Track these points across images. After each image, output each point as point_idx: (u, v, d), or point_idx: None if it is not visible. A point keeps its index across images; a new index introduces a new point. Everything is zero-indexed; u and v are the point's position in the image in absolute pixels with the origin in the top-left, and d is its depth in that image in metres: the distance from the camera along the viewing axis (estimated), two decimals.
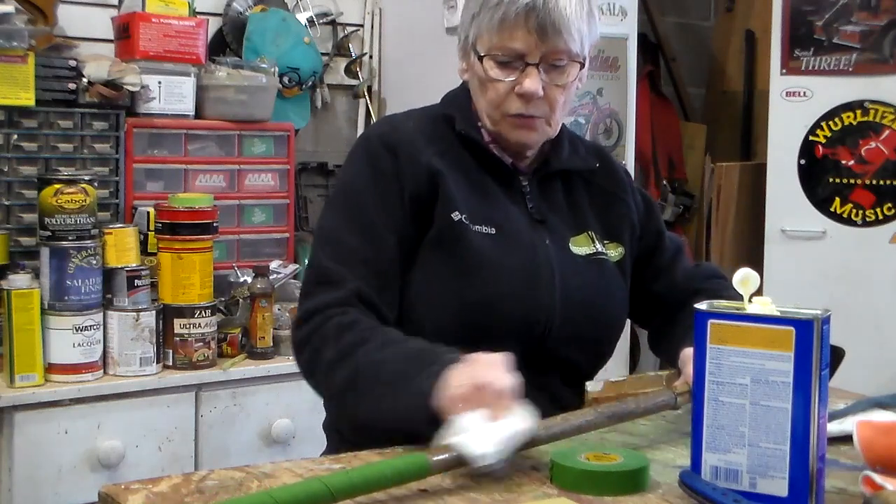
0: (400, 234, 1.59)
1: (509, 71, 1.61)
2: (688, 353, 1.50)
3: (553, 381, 1.65)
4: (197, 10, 3.03)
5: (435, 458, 1.20)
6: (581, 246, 1.70)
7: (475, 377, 1.32)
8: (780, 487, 1.15)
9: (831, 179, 3.56)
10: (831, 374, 1.28)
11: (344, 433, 1.68)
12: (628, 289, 1.76)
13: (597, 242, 1.72)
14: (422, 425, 1.33)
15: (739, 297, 1.34)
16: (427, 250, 1.60)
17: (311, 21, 3.34)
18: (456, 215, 1.59)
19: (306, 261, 1.67)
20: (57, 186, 2.45)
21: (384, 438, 1.40)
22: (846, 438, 1.35)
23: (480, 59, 1.62)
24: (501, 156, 1.69)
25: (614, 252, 1.74)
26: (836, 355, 1.44)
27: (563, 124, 1.79)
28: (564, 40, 1.58)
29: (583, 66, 1.65)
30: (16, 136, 2.62)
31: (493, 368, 1.34)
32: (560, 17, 1.57)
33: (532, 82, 1.59)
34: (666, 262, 1.83)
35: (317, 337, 1.52)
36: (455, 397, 1.30)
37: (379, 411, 1.44)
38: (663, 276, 1.82)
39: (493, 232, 1.61)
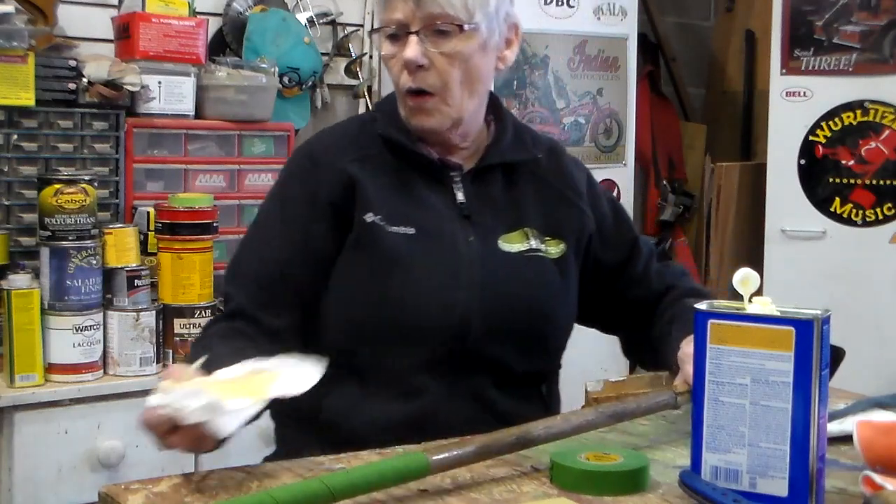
0: (305, 245, 1.61)
1: (398, 45, 1.60)
2: (686, 350, 1.49)
3: (483, 385, 1.61)
4: (197, 10, 3.03)
5: (435, 458, 1.20)
6: (514, 243, 1.66)
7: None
8: (780, 487, 1.15)
9: (831, 179, 3.56)
10: (832, 374, 1.28)
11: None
12: (573, 287, 1.71)
13: (533, 239, 1.67)
14: None
15: (706, 294, 1.36)
16: (346, 254, 1.61)
17: (311, 21, 3.33)
18: (369, 217, 1.59)
19: None
20: (57, 186, 2.45)
21: None
22: (846, 438, 1.35)
23: (378, 32, 1.63)
24: (428, 153, 1.66)
25: (554, 249, 1.68)
26: (837, 356, 1.44)
27: (511, 115, 1.76)
28: (439, 4, 1.56)
29: (462, 29, 1.58)
30: (16, 136, 2.61)
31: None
32: None
33: (409, 49, 1.57)
34: (641, 270, 1.79)
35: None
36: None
37: None
38: (641, 284, 1.79)
39: (412, 232, 1.60)
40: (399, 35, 1.59)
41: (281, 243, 1.63)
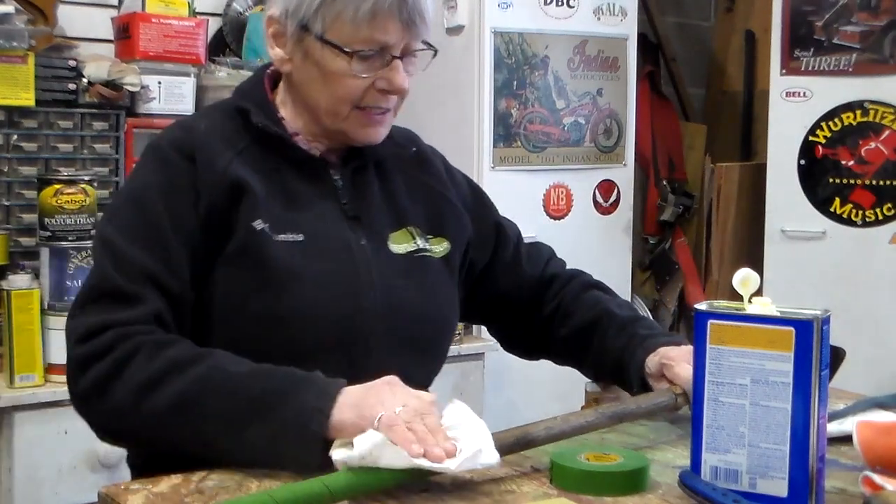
0: (192, 250, 1.42)
1: (373, 65, 1.47)
2: (671, 355, 1.49)
3: None
4: (197, 10, 3.04)
5: None
6: (400, 243, 1.56)
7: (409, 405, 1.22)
8: (780, 488, 1.15)
9: (831, 180, 3.56)
10: (832, 374, 1.28)
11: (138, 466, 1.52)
12: (456, 286, 1.63)
13: (418, 238, 1.58)
14: (307, 454, 1.22)
15: (605, 287, 1.52)
16: (227, 264, 1.44)
17: None
18: (258, 224, 1.44)
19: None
20: (57, 187, 2.45)
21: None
22: (846, 438, 1.35)
23: (347, 51, 1.46)
24: (309, 148, 1.54)
25: (439, 247, 1.60)
26: (837, 356, 1.44)
27: None
28: (426, 27, 1.49)
29: (435, 53, 1.53)
30: (16, 137, 2.62)
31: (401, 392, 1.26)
32: (424, 6, 1.48)
33: (400, 77, 1.48)
34: (511, 255, 1.72)
35: (118, 353, 1.33)
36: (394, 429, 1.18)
37: (234, 434, 1.27)
38: (512, 271, 1.72)
39: (301, 238, 1.46)
40: (375, 56, 1.47)
41: (172, 249, 1.41)
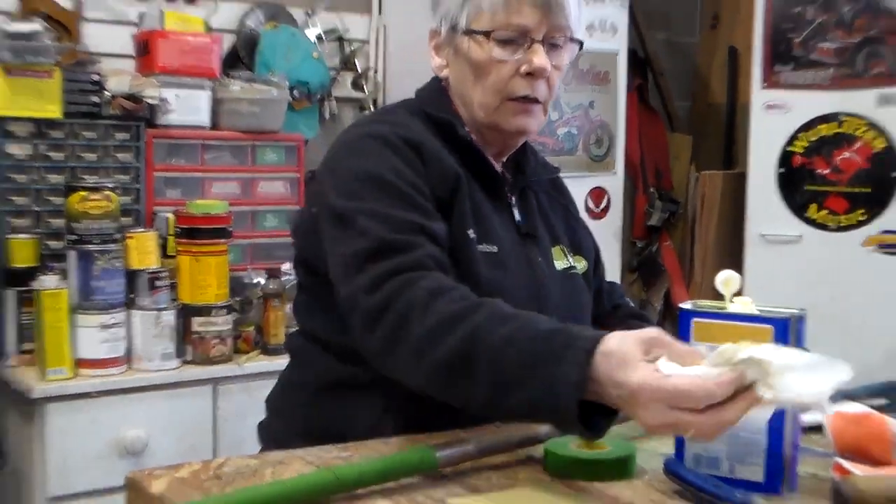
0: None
1: (514, 49, 1.47)
2: None
3: None
4: (212, 27, 3.05)
5: (440, 454, 1.20)
6: (558, 259, 1.59)
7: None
8: (757, 473, 1.17)
9: (808, 187, 3.58)
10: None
11: (282, 440, 1.45)
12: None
13: (568, 256, 1.61)
14: (563, 416, 1.12)
15: (648, 319, 1.43)
16: None
17: (319, 37, 3.35)
18: (472, 232, 1.44)
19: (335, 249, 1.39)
20: (82, 193, 2.47)
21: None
22: (819, 428, 1.36)
23: (487, 35, 1.47)
24: (495, 165, 1.55)
25: (580, 265, 1.63)
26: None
27: None
28: (566, 15, 1.47)
29: (581, 46, 1.53)
30: (44, 147, 2.64)
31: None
32: None
33: (541, 58, 1.46)
34: (598, 284, 1.74)
35: (401, 303, 1.25)
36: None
37: (503, 395, 1.17)
38: (596, 298, 1.71)
39: (495, 250, 1.46)
40: (515, 41, 1.47)
41: (430, 211, 1.39)
